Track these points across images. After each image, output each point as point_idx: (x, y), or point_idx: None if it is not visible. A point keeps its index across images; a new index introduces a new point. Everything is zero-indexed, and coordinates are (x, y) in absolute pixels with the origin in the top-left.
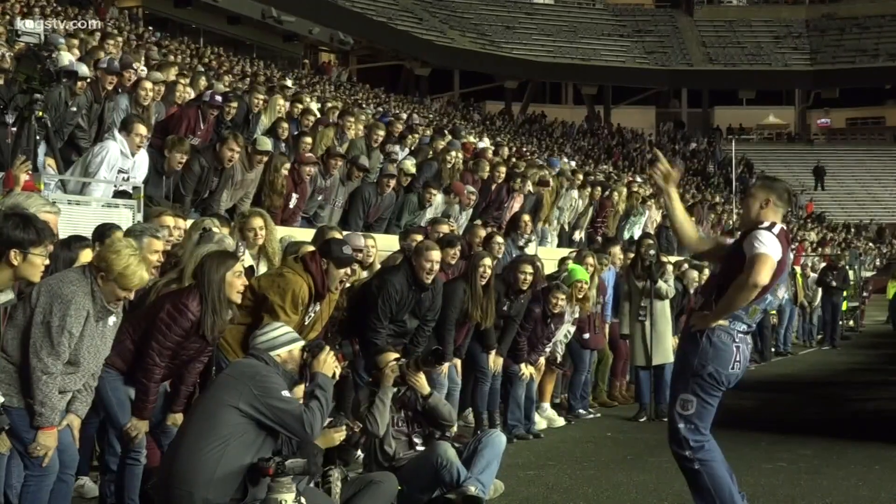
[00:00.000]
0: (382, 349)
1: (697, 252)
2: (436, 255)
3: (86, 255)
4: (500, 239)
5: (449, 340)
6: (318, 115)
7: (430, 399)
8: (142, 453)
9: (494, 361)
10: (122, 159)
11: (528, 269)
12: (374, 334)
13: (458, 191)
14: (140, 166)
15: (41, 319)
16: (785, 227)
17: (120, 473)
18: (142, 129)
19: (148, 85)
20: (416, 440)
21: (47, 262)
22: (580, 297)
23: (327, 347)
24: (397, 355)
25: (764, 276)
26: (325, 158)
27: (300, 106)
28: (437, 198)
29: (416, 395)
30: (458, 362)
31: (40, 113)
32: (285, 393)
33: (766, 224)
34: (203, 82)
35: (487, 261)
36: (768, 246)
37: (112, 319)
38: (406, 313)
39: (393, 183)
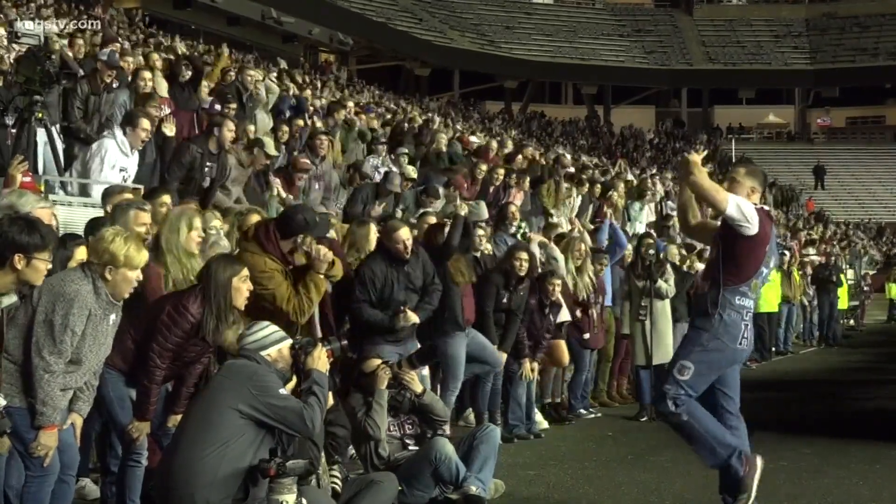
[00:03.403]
0: (376, 322)
1: (690, 229)
2: (404, 232)
3: (81, 252)
4: (480, 231)
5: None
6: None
7: (424, 396)
8: (143, 454)
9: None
10: (122, 157)
11: (524, 255)
12: (361, 314)
13: (459, 185)
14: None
15: (43, 318)
16: (764, 207)
17: (121, 474)
18: (146, 124)
19: (147, 74)
20: (409, 441)
21: (50, 266)
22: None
23: (319, 344)
24: (381, 360)
25: (701, 184)
26: (311, 140)
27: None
28: (437, 205)
29: (408, 394)
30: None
31: (40, 114)
32: (282, 391)
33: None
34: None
35: (432, 219)
36: (740, 202)
37: (112, 317)
38: (401, 291)
39: (395, 191)
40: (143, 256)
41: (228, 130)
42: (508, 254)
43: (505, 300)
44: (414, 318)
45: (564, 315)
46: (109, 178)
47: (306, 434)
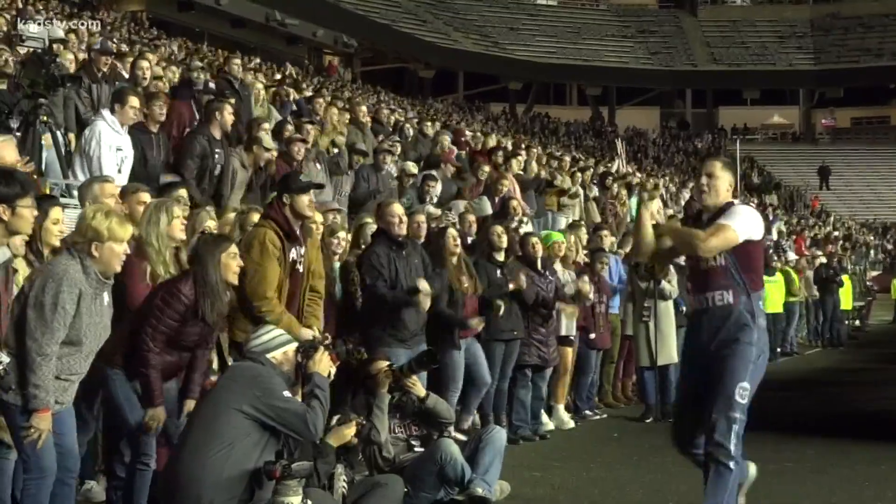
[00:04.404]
0: (395, 300)
1: (649, 256)
2: (397, 208)
3: (56, 213)
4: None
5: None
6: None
7: (428, 400)
8: (152, 458)
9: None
10: (115, 136)
11: (498, 229)
12: (378, 292)
13: (446, 159)
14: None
15: (34, 302)
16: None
17: (129, 478)
18: (135, 101)
19: (144, 64)
20: (414, 443)
21: (35, 212)
22: (561, 254)
23: (321, 347)
24: (389, 362)
25: (717, 245)
26: (288, 145)
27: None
28: (437, 188)
29: (412, 399)
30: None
31: (45, 118)
32: (286, 393)
33: (736, 201)
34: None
35: (452, 231)
36: (744, 223)
37: (106, 298)
38: (408, 275)
39: (390, 159)
40: (126, 229)
41: (229, 114)
42: (485, 231)
43: (499, 274)
44: (427, 290)
45: (571, 328)
46: (106, 159)
47: (308, 437)
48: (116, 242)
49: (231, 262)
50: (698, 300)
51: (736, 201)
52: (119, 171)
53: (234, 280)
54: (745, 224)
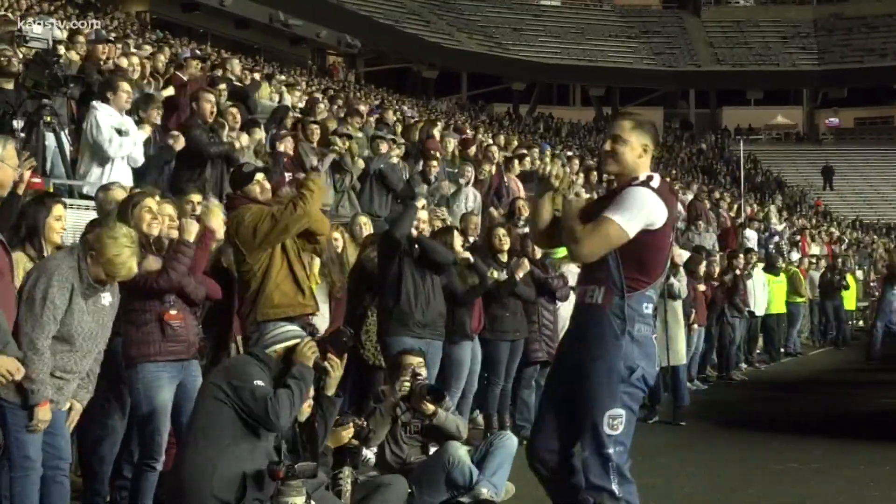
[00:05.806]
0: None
1: (543, 244)
2: (422, 214)
3: (58, 210)
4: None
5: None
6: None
7: (436, 419)
8: (159, 460)
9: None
10: (115, 118)
11: (501, 231)
12: (426, 241)
13: (433, 147)
14: (136, 130)
15: (26, 296)
16: (664, 179)
17: (135, 479)
18: (126, 86)
19: (135, 60)
20: (432, 446)
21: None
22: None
23: (308, 339)
24: (419, 359)
25: (595, 247)
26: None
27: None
28: (437, 168)
29: (420, 416)
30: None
31: (48, 118)
32: (258, 382)
33: (641, 178)
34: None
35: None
36: (635, 214)
37: (108, 299)
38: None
39: (384, 145)
40: (129, 269)
41: (207, 102)
42: (488, 233)
43: (497, 274)
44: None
45: None
46: (115, 139)
47: (268, 425)
48: (107, 272)
49: (144, 215)
50: (578, 294)
51: (643, 176)
52: (135, 143)
53: (150, 230)
54: (635, 216)
